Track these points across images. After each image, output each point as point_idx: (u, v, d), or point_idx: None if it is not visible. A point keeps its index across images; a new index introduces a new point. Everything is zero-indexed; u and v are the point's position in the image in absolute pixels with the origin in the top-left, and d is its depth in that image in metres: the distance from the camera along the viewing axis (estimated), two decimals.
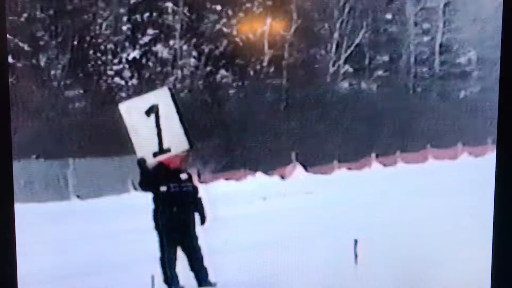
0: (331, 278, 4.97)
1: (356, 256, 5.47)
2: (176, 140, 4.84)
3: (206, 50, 6.02)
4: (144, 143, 4.79)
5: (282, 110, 6.48)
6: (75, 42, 5.11)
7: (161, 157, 4.93)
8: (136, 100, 4.87)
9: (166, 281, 5.20)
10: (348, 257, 5.41)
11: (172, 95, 4.83)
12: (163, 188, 5.05)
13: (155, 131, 4.76)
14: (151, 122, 4.75)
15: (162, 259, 5.19)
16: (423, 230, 5.85)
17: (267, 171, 6.49)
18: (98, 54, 5.49)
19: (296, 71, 6.38)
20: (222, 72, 6.18)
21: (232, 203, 6.05)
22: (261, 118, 6.36)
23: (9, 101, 2.79)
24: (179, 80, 5.75)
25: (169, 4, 5.69)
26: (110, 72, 5.61)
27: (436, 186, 6.47)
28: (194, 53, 6.01)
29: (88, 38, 5.29)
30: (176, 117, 4.78)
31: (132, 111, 4.72)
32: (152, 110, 4.71)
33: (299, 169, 6.68)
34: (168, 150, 4.86)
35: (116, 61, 5.61)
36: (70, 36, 4.93)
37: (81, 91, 5.49)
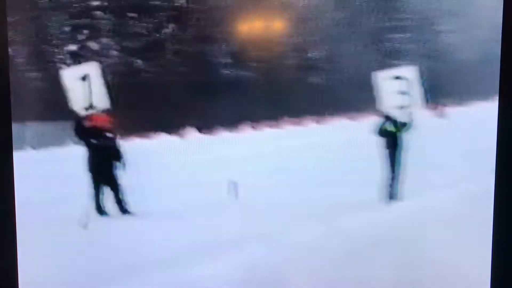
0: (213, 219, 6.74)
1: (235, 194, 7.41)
2: (101, 99, 6.71)
3: (126, 45, 7.83)
4: (78, 101, 6.64)
5: (181, 89, 8.32)
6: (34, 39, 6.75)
7: (89, 111, 6.84)
8: (74, 69, 6.74)
9: (97, 210, 6.98)
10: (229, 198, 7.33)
11: (100, 67, 6.74)
12: (93, 141, 6.83)
13: (86, 92, 6.59)
14: (85, 86, 6.58)
15: (93, 194, 6.96)
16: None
17: (169, 132, 8.40)
18: (49, 48, 7.16)
19: (192, 62, 8.30)
20: (138, 61, 7.99)
21: (145, 154, 7.87)
22: (166, 94, 8.22)
23: (10, 98, 2.74)
24: (107, 65, 7.48)
25: (98, 12, 7.47)
26: (56, 59, 7.34)
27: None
28: (117, 47, 7.80)
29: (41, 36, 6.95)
30: (102, 83, 6.64)
31: (70, 77, 6.58)
32: (86, 77, 6.57)
33: (193, 131, 8.61)
34: (94, 107, 6.78)
35: (60, 51, 7.36)
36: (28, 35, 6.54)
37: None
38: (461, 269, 5.23)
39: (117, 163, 6.88)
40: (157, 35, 8.09)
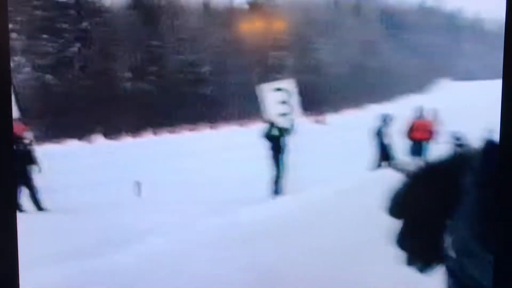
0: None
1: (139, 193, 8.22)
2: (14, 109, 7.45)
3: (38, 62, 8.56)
4: None
5: (88, 100, 9.20)
6: None
7: None
8: None
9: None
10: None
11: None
12: (15, 146, 7.51)
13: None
14: None
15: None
16: None
17: (80, 138, 9.21)
18: None
19: (97, 76, 9.20)
20: (48, 76, 8.73)
21: (58, 158, 8.48)
22: (75, 105, 9.07)
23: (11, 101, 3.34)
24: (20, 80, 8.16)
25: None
26: None
27: None
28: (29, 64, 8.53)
29: None
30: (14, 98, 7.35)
31: None
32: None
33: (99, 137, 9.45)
34: None
35: None
36: None
37: None
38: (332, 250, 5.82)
39: (33, 166, 7.59)
40: (65, 53, 8.88)
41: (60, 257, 5.91)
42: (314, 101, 10.19)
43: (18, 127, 7.34)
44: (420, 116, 10.54)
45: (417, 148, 10.16)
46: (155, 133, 9.77)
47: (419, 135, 10.28)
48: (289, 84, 8.97)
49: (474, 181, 0.79)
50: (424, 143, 10.27)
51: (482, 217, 0.78)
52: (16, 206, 1.36)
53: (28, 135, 7.51)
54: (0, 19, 1.25)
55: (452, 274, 0.83)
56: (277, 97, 8.91)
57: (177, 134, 10.07)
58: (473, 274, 0.80)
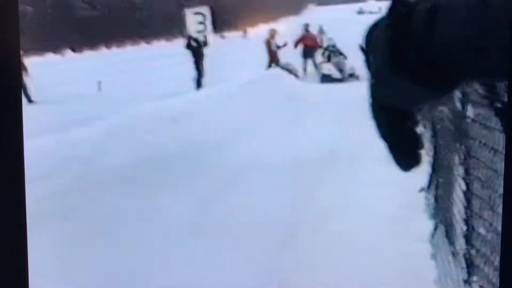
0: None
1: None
2: None
3: None
4: None
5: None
6: None
7: None
8: None
9: None
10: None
11: None
12: None
13: None
14: None
15: None
16: None
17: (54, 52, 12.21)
18: None
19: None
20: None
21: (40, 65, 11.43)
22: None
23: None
24: None
25: None
26: None
27: None
28: None
29: None
30: None
31: None
32: None
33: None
34: None
35: None
36: None
37: None
38: None
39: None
40: None
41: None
42: (224, 21, 13.62)
43: None
44: (307, 30, 14.12)
45: (308, 52, 13.54)
46: (107, 47, 12.92)
47: (309, 42, 13.82)
48: (204, 9, 12.17)
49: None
50: (313, 49, 13.65)
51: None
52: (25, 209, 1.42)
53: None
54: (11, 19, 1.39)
55: None
56: (196, 19, 12.03)
57: (122, 48, 13.18)
58: None
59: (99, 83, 11.12)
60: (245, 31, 15.96)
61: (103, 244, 4.61)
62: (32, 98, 10.54)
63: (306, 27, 14.02)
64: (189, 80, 11.57)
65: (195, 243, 4.72)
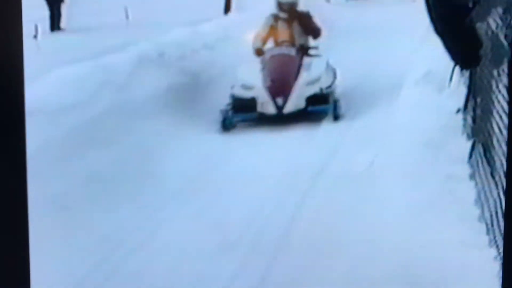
0: None
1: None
2: None
3: None
4: None
5: None
6: None
7: None
8: None
9: None
10: None
11: None
12: None
13: None
14: None
15: None
16: None
17: None
18: None
19: None
20: None
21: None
22: None
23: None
24: None
25: None
26: None
27: None
28: None
29: None
30: None
31: None
32: None
33: None
34: None
35: None
36: None
37: None
38: None
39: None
40: None
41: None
42: None
43: None
44: None
45: None
46: None
47: None
48: None
49: None
50: None
51: None
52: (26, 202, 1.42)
53: None
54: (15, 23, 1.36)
55: None
56: None
57: None
58: None
59: (126, 10, 10.82)
60: None
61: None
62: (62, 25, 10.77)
63: None
64: (216, 4, 11.47)
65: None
